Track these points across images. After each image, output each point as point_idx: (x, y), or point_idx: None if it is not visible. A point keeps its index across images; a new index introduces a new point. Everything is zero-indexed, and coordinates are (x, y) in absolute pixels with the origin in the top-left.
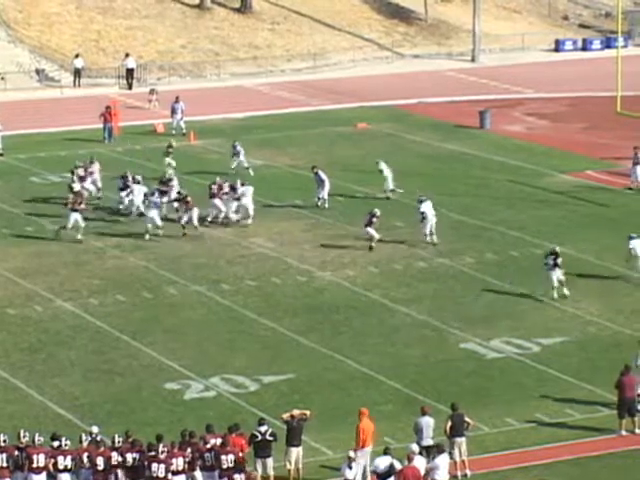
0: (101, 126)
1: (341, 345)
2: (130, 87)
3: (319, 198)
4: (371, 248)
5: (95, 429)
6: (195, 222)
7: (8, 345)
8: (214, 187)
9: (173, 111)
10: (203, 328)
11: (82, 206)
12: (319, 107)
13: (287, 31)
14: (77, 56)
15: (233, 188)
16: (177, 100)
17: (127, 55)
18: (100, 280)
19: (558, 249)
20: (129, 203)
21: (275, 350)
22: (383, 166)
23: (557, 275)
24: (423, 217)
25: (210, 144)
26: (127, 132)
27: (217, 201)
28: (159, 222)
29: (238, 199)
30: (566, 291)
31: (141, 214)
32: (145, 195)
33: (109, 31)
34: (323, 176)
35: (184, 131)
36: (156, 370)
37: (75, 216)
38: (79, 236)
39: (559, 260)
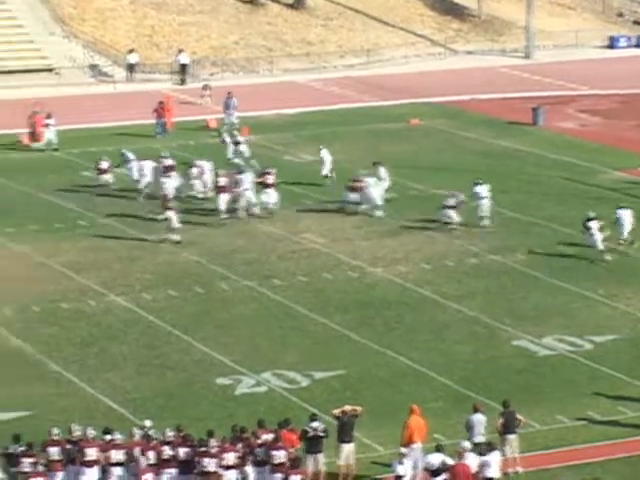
0: (154, 121)
1: (392, 341)
2: (183, 82)
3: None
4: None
5: (148, 423)
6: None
7: (61, 339)
8: (269, 177)
9: (226, 107)
10: (254, 323)
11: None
12: (371, 103)
13: (340, 27)
14: (131, 51)
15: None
16: (230, 96)
17: (180, 51)
18: (152, 275)
19: (592, 214)
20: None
21: (326, 346)
22: (324, 152)
23: (599, 238)
24: (478, 198)
25: (262, 139)
26: (180, 127)
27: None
28: (254, 199)
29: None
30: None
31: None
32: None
33: (163, 27)
34: (383, 174)
35: (237, 127)
36: (207, 365)
37: (170, 214)
38: (174, 237)
39: (595, 223)
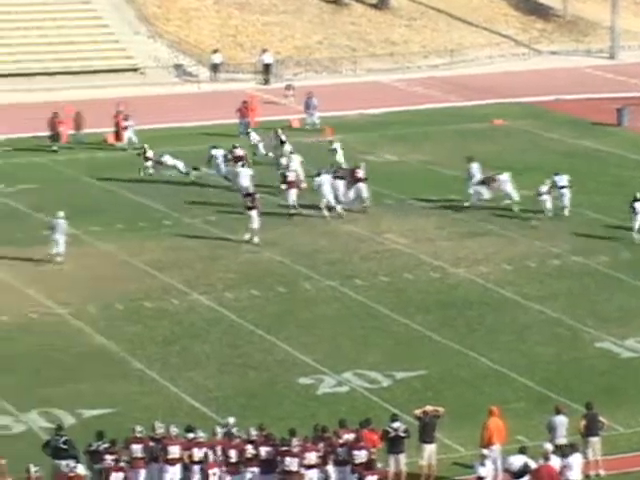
0: (237, 121)
1: (473, 342)
2: (267, 82)
3: (472, 193)
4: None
5: (231, 420)
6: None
7: (144, 337)
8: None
9: (306, 107)
10: (336, 323)
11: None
12: (455, 103)
13: (424, 27)
14: (215, 51)
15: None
16: (310, 96)
17: (264, 51)
18: (235, 274)
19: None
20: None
21: (408, 346)
22: (337, 146)
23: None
24: (558, 188)
25: (346, 139)
26: (263, 127)
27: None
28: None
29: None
30: None
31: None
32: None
33: (246, 26)
34: (474, 170)
35: (318, 127)
36: (290, 365)
37: (252, 214)
38: (254, 238)
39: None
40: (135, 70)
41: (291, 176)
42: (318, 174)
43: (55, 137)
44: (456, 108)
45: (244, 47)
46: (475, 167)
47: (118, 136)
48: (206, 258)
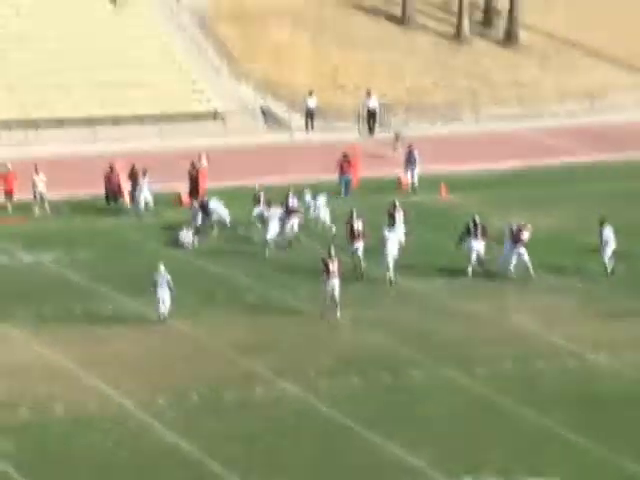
0: (336, 178)
1: (618, 445)
2: (371, 131)
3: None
4: None
5: None
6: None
7: (223, 434)
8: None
9: (407, 161)
10: (452, 419)
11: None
12: (597, 157)
13: (558, 66)
14: (310, 94)
15: None
16: (410, 149)
17: (369, 93)
18: (331, 358)
19: None
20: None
21: (537, 448)
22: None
23: None
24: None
25: (465, 200)
26: (366, 186)
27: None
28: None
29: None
30: None
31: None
32: None
33: (348, 65)
34: (607, 233)
35: (416, 185)
36: (395, 469)
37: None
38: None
39: None
40: (215, 116)
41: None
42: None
43: (112, 196)
44: (599, 163)
45: (345, 89)
46: (608, 231)
47: (194, 193)
48: (297, 338)
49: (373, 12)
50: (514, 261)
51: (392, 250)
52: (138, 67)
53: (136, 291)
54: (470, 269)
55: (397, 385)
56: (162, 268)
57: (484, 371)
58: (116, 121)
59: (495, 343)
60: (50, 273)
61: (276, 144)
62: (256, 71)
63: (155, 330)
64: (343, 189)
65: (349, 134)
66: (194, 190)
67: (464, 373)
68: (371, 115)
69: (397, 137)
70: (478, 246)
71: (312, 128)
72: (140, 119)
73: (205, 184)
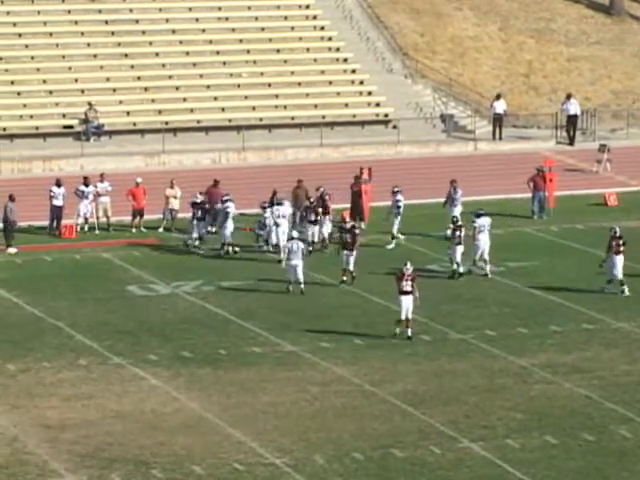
0: (529, 195)
1: None
2: (572, 142)
3: None
4: None
5: None
6: None
7: None
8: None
9: (449, 198)
10: None
11: None
12: None
13: None
14: (498, 97)
15: None
16: (454, 185)
17: (569, 96)
18: (522, 413)
19: None
20: None
21: None
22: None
23: None
24: None
25: None
26: (565, 205)
27: None
28: None
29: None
30: None
31: None
32: None
33: (544, 62)
34: None
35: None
36: None
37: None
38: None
39: None
40: (386, 122)
41: None
42: None
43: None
44: None
45: (540, 91)
46: None
47: (356, 213)
48: (482, 389)
49: None
50: None
51: None
52: (289, 63)
53: (288, 328)
54: None
55: (601, 445)
56: None
57: None
58: (267, 127)
59: None
60: (189, 306)
61: (458, 156)
62: (435, 70)
63: (311, 377)
64: (537, 209)
65: (544, 144)
66: (356, 209)
67: None
68: (571, 122)
69: (602, 149)
70: None
71: (500, 137)
72: (294, 126)
73: (368, 203)
